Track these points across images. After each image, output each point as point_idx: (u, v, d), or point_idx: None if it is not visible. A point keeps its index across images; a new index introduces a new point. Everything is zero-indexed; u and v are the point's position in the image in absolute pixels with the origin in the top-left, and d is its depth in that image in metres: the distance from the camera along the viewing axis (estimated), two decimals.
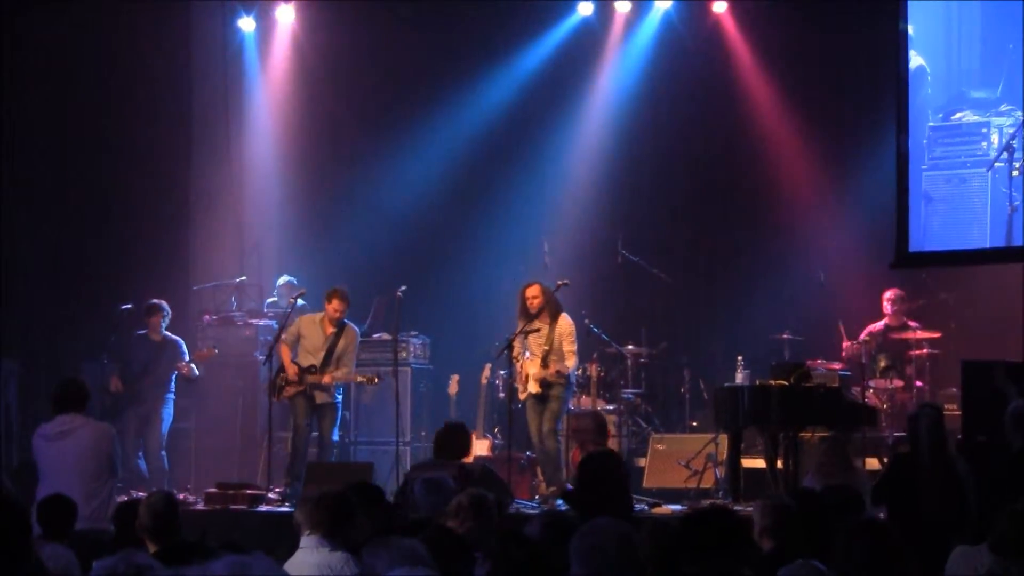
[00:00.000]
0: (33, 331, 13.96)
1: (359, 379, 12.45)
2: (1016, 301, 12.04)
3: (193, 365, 13.03)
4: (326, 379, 12.13)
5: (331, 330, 12.25)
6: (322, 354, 12.17)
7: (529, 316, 11.97)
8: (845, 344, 12.98)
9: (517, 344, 11.97)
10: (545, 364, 11.87)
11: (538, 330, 11.97)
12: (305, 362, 12.17)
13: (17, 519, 5.21)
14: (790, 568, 4.76)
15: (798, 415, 11.05)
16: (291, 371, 12.13)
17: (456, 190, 15.19)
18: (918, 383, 12.78)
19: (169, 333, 13.09)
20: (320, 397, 12.17)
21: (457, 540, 6.40)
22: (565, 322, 12.03)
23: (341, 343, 12.24)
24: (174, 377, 13.05)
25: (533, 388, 11.89)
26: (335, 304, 12.23)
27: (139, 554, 5.45)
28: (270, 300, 14.50)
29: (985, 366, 10.31)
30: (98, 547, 6.71)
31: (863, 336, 13.01)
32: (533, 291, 11.98)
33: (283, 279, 14.44)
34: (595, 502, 7.13)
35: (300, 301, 12.65)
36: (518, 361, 11.99)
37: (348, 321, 12.36)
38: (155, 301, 13.12)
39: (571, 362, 11.99)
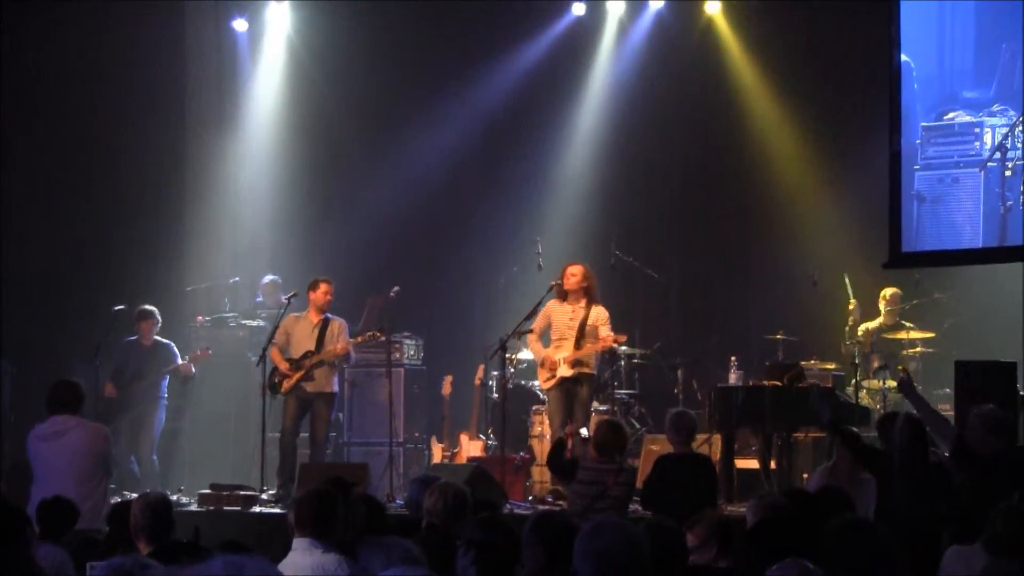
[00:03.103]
0: (27, 331, 13.92)
1: (367, 335, 12.40)
2: (1009, 301, 12.05)
3: (192, 364, 13.07)
4: (340, 347, 11.97)
5: (317, 319, 12.17)
6: (315, 339, 12.09)
7: (563, 295, 11.89)
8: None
9: (535, 329, 11.89)
10: (579, 346, 11.77)
11: (531, 331, 11.94)
12: (298, 354, 12.11)
13: (14, 521, 5.20)
14: (779, 566, 4.76)
15: (792, 416, 11.07)
16: (283, 366, 12.00)
17: (450, 191, 15.18)
18: None
19: (159, 337, 13.09)
20: (315, 385, 11.99)
21: (450, 540, 6.38)
22: (602, 309, 11.92)
23: (333, 325, 12.16)
24: (166, 381, 13.06)
25: (566, 371, 11.76)
26: (324, 288, 12.15)
27: (143, 556, 5.45)
28: (257, 300, 14.45)
29: (979, 366, 10.30)
30: (92, 547, 6.71)
31: (857, 335, 13.04)
32: (574, 269, 11.90)
33: (268, 278, 14.35)
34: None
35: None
36: (528, 344, 11.96)
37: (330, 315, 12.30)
38: (146, 307, 13.11)
39: (611, 339, 11.80)
